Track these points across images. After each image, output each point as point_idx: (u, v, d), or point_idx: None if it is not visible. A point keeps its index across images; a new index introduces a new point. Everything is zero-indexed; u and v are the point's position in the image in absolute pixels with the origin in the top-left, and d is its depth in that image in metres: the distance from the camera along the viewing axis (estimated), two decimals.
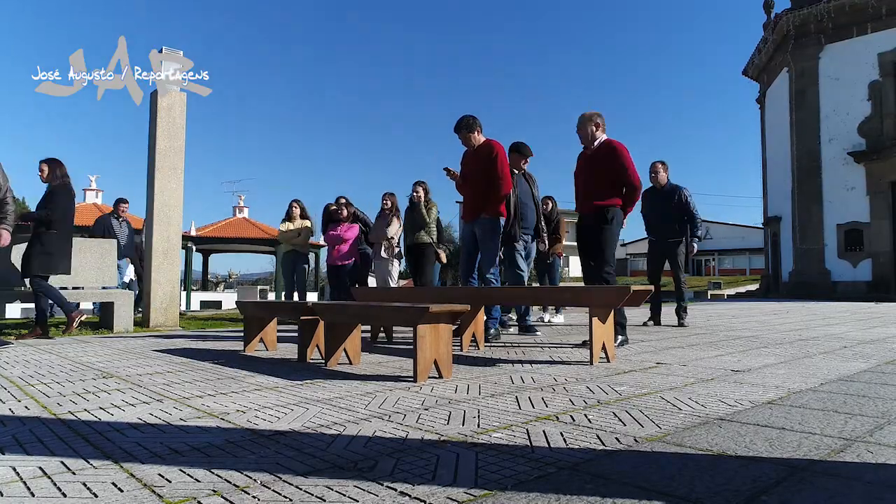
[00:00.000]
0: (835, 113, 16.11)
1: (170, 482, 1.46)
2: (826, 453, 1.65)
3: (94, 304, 8.60)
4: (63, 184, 5.41)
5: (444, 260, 7.68)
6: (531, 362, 3.60)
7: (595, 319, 3.53)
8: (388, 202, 7.42)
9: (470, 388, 2.73)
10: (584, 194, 4.64)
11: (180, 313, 6.89)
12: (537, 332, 5.39)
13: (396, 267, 7.48)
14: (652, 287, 4.42)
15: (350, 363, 3.55)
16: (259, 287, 31.68)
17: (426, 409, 2.28)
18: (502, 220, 5.07)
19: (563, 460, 1.61)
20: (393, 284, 7.41)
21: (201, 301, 24.48)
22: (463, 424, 2.03)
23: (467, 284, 5.20)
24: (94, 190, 29.82)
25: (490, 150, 4.95)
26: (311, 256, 8.06)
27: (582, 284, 5.21)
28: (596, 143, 4.59)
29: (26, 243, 5.42)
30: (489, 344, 4.72)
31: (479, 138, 5.09)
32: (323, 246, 7.26)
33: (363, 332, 5.18)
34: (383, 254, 7.28)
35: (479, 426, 2.00)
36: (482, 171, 4.95)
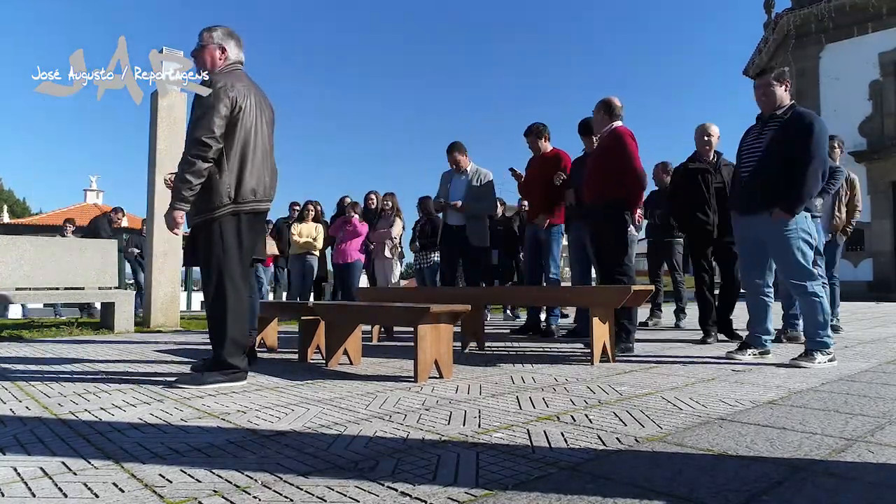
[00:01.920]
0: (835, 113, 16.08)
1: (171, 482, 1.46)
2: (827, 453, 1.65)
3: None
4: None
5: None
6: (532, 362, 3.60)
7: (595, 319, 3.53)
8: (389, 202, 7.43)
9: (471, 388, 2.72)
10: (585, 186, 4.33)
11: (181, 313, 6.89)
12: None
13: (398, 267, 7.49)
14: (653, 287, 4.41)
15: (350, 363, 3.55)
16: None
17: (427, 410, 2.28)
18: (563, 226, 5.35)
19: (564, 460, 1.61)
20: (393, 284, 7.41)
21: (202, 301, 24.48)
22: (464, 424, 2.03)
23: (534, 285, 5.44)
24: (94, 190, 29.84)
25: (558, 159, 5.22)
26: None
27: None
28: (605, 131, 4.27)
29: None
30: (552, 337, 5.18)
31: (547, 146, 5.38)
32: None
33: (365, 332, 5.19)
34: (386, 253, 7.29)
35: (479, 426, 2.00)
36: (547, 178, 5.18)
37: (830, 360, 3.29)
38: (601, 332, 3.55)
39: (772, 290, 3.65)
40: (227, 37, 3.04)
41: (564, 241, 5.49)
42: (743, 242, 3.68)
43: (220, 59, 3.02)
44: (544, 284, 5.41)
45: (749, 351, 3.60)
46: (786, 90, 3.52)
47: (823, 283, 3.71)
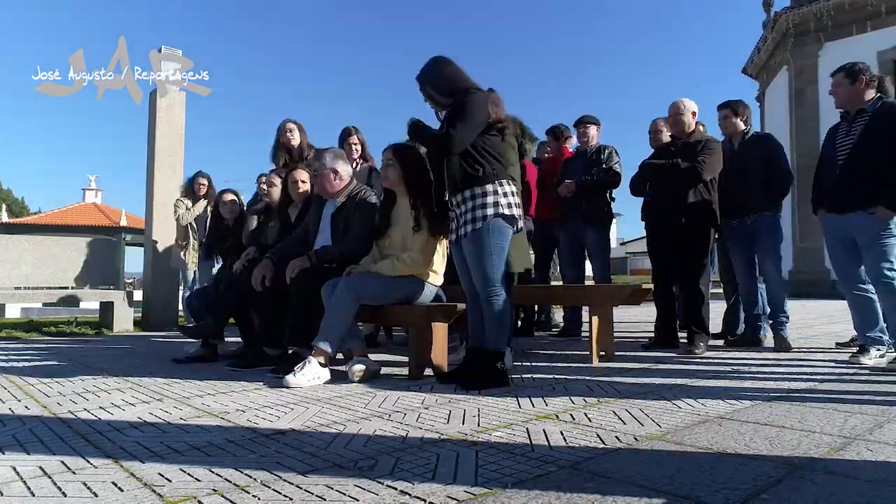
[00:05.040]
0: (835, 111, 16.10)
1: (170, 481, 1.46)
2: (826, 451, 1.65)
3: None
4: None
5: None
6: (531, 361, 3.60)
7: (595, 318, 3.54)
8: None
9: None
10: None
11: (180, 313, 6.89)
12: None
13: None
14: (651, 286, 4.38)
15: (345, 361, 3.54)
16: None
17: (426, 408, 2.28)
18: None
19: (564, 459, 1.61)
20: None
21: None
22: (463, 423, 2.03)
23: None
24: (93, 190, 29.77)
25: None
26: None
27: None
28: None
29: None
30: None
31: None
32: None
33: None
34: None
35: (479, 425, 2.00)
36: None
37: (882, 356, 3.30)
38: (600, 330, 3.55)
39: (871, 286, 3.45)
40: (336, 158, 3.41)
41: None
42: (836, 242, 3.49)
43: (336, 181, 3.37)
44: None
45: (872, 352, 3.34)
46: (862, 86, 3.35)
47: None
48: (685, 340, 4.03)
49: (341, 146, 4.58)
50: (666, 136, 4.78)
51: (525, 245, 3.45)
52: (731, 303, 4.63)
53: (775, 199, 4.23)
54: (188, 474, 1.51)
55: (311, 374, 2.78)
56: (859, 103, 3.38)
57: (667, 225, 4.07)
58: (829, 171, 3.48)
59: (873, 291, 3.42)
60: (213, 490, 1.40)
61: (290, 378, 2.74)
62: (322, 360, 2.85)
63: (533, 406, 2.30)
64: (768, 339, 4.19)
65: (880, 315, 3.43)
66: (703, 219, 3.99)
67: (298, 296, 3.10)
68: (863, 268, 3.44)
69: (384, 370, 3.30)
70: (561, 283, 5.53)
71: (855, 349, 3.43)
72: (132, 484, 1.45)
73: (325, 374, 2.82)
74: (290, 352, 3.27)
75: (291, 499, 1.34)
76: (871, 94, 3.37)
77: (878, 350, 3.36)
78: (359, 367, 2.86)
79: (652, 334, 4.58)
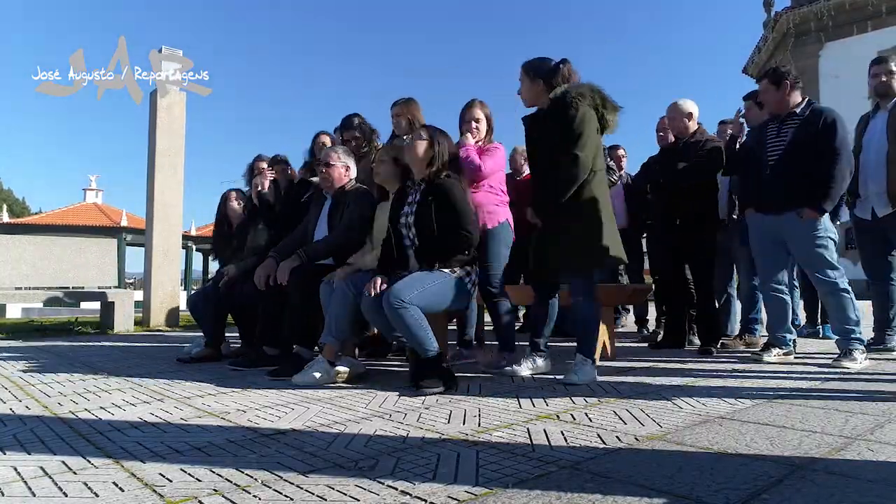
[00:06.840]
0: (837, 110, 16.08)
1: (171, 481, 1.46)
2: (827, 451, 1.65)
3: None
4: None
5: None
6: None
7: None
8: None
9: (470, 387, 2.72)
10: None
11: (181, 313, 6.89)
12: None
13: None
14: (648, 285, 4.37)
15: None
16: None
17: (427, 408, 2.28)
18: None
19: (564, 459, 1.61)
20: None
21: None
22: (464, 423, 2.03)
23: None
24: (93, 190, 29.79)
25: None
26: None
27: None
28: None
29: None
30: None
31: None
32: None
33: None
34: None
35: (479, 425, 2.00)
36: None
37: (866, 359, 3.28)
38: (601, 330, 3.55)
39: (787, 288, 3.55)
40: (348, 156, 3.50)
41: None
42: (762, 242, 3.56)
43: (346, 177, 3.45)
44: None
45: (774, 351, 3.49)
46: (788, 91, 3.43)
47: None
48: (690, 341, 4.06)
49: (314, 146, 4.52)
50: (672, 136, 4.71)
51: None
52: (722, 303, 4.63)
53: None
54: (189, 474, 1.52)
55: (319, 373, 2.79)
56: (787, 107, 3.45)
57: (679, 224, 3.97)
58: (759, 171, 3.49)
59: (788, 292, 3.55)
60: (214, 490, 1.40)
61: (297, 377, 2.77)
62: (331, 357, 2.87)
63: (534, 406, 2.30)
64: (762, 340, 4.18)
65: (790, 316, 3.57)
66: (713, 221, 3.98)
67: (295, 295, 3.10)
68: (785, 271, 3.54)
69: (386, 369, 3.30)
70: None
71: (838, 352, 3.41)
72: (133, 484, 1.45)
73: (333, 372, 2.83)
74: (292, 350, 3.27)
75: (292, 499, 1.34)
76: (797, 96, 3.46)
77: (782, 349, 3.51)
78: (342, 369, 2.85)
79: (645, 331, 4.59)
